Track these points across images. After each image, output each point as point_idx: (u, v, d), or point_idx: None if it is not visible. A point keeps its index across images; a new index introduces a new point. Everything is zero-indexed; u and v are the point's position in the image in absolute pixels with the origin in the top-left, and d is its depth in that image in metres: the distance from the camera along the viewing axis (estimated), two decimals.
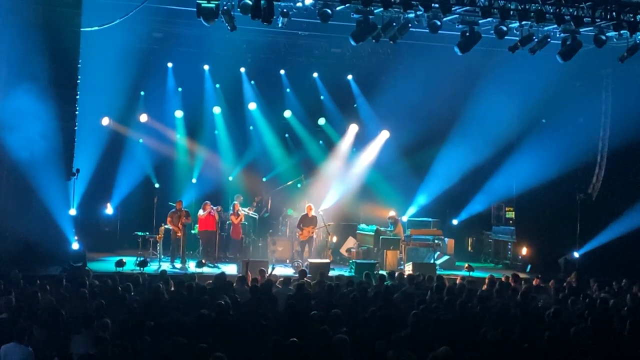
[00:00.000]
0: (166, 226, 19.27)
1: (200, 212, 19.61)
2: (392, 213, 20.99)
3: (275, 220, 22.18)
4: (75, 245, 17.54)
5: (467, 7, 16.29)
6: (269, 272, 16.00)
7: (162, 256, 19.14)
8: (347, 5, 15.86)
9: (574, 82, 20.81)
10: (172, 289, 13.16)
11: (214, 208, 19.66)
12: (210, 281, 13.87)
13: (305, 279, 14.81)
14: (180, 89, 21.73)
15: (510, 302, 12.83)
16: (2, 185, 17.29)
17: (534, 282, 15.42)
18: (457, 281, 15.38)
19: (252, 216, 21.27)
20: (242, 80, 22.30)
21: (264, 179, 23.04)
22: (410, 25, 16.97)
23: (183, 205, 19.51)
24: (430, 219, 21.90)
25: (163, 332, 9.53)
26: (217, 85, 22.15)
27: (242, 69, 22.10)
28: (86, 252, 17.55)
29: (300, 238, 19.84)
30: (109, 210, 20.85)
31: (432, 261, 19.79)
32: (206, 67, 21.74)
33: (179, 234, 19.01)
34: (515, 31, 17.35)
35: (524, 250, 21.47)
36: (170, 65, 21.33)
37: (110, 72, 18.76)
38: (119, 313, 10.68)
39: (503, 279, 15.44)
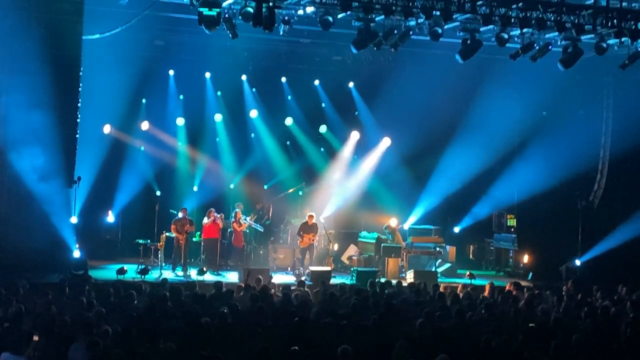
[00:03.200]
0: (168, 234, 19.24)
1: (205, 219, 19.59)
2: (391, 223, 20.86)
3: (276, 228, 22.10)
4: (76, 253, 17.54)
5: (468, 15, 16.27)
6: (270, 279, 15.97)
7: (164, 264, 19.10)
8: (348, 12, 15.85)
9: (574, 90, 20.82)
10: (173, 296, 13.14)
11: (218, 215, 19.63)
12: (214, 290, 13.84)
13: (305, 288, 14.78)
14: (181, 97, 21.72)
15: (512, 310, 12.81)
16: (4, 193, 17.31)
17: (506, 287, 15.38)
18: (459, 289, 15.35)
19: (254, 227, 21.03)
20: (243, 88, 22.29)
21: (265, 187, 22.97)
22: (411, 32, 17.02)
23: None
24: (431, 227, 21.84)
25: (163, 340, 9.50)
26: (219, 93, 22.11)
27: (244, 77, 22.09)
28: (87, 259, 17.52)
29: (300, 245, 19.83)
30: (110, 218, 20.78)
31: (433, 269, 19.73)
32: (207, 74, 21.71)
33: (182, 242, 19.01)
34: (516, 39, 17.37)
35: (526, 258, 21.40)
36: (171, 72, 21.33)
37: (112, 80, 18.83)
38: (119, 321, 10.66)
39: (507, 287, 15.42)
